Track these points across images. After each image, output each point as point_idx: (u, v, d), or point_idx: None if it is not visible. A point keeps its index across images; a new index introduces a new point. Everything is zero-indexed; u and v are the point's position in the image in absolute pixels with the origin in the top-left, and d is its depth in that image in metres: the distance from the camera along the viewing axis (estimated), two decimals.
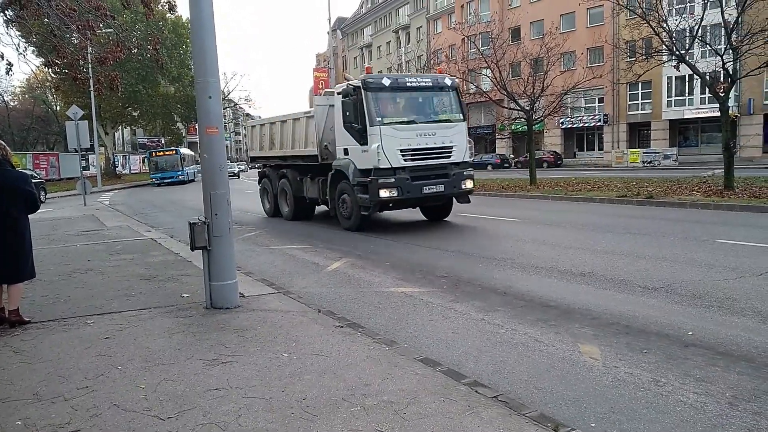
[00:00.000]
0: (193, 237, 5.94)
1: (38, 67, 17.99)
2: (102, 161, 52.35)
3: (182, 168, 44.10)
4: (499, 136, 46.58)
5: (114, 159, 58.39)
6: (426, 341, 5.14)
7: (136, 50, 18.76)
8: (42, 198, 27.11)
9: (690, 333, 4.97)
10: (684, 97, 39.39)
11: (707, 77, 18.84)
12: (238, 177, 51.20)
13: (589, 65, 38.76)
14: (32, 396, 3.90)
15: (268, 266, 9.00)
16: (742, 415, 3.51)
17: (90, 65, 18.87)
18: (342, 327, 5.30)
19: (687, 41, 18.01)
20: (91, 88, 18.13)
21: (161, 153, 46.61)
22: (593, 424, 3.48)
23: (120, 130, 68.46)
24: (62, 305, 6.43)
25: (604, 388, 3.99)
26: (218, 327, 5.40)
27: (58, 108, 64.23)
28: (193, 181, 44.41)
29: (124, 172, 61.00)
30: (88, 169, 47.99)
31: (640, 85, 39.57)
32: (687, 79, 36.68)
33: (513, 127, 36.72)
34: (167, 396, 3.84)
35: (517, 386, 4.09)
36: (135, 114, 55.68)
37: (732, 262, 7.56)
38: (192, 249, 6.07)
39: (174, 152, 45.83)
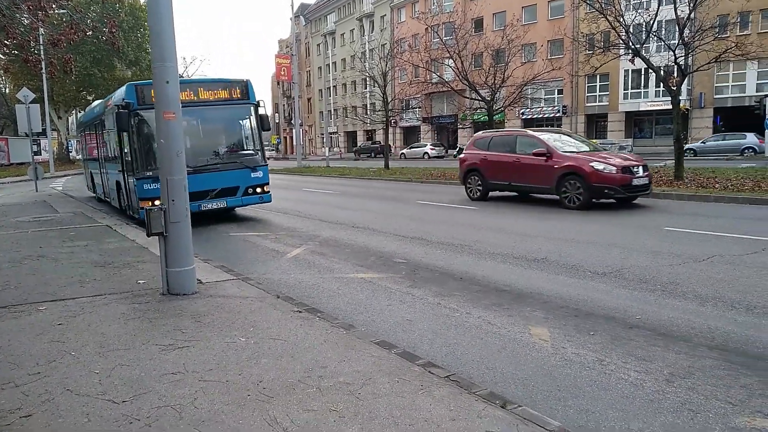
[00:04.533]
0: (149, 223, 5.88)
1: None
2: (55, 146, 50.81)
3: (259, 160, 12.44)
4: (461, 126, 46.99)
5: (68, 144, 56.66)
6: (383, 325, 5.24)
7: (90, 33, 18.23)
8: None
9: (636, 316, 5.21)
10: (640, 90, 40.53)
11: (661, 71, 19.43)
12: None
13: (549, 57, 39.39)
14: None
15: (227, 253, 8.95)
16: (677, 390, 3.72)
17: (42, 47, 18.24)
18: (300, 312, 5.35)
19: (642, 36, 18.52)
20: (44, 71, 17.49)
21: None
22: (539, 401, 3.64)
23: (74, 114, 66.37)
24: (12, 292, 6.29)
25: (551, 368, 4.16)
26: (175, 313, 5.38)
27: (7, 90, 61.71)
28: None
29: (78, 157, 59.17)
30: (40, 154, 46.53)
31: (598, 77, 40.54)
32: (643, 72, 37.77)
33: (474, 117, 37.14)
34: (122, 380, 3.83)
35: (470, 367, 4.23)
36: (90, 98, 53.91)
37: (677, 248, 7.90)
38: (148, 235, 6.00)
39: (231, 90, 12.17)
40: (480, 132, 16.27)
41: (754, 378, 3.86)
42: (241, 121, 12.55)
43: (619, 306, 5.51)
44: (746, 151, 31.54)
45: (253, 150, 12.50)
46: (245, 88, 12.25)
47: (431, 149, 48.56)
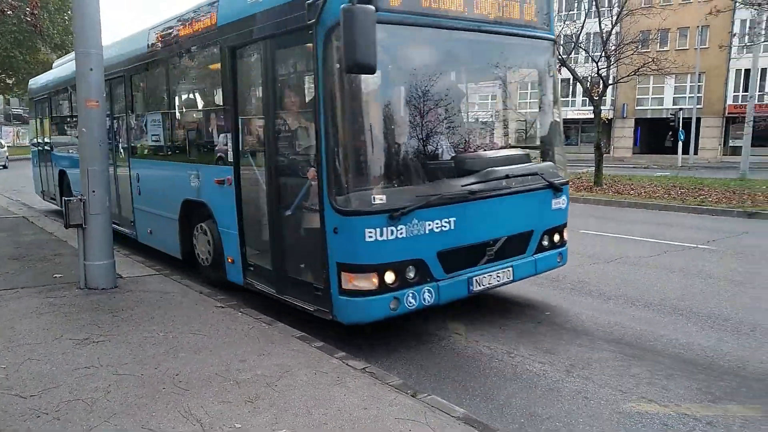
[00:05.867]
0: (67, 214, 5.72)
1: None
2: None
3: (559, 170, 5.82)
4: None
5: None
6: (306, 320, 5.31)
7: (10, 12, 17.25)
8: None
9: (545, 312, 5.54)
10: (567, 99, 42.26)
11: (587, 82, 20.38)
12: None
13: None
14: None
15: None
16: (575, 380, 4.02)
17: None
18: (223, 308, 5.34)
19: (570, 47, 19.41)
20: None
21: None
22: (449, 391, 3.84)
23: None
24: None
25: (463, 360, 4.39)
26: (91, 307, 5.26)
27: None
28: None
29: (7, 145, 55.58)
30: None
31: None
32: (570, 82, 39.38)
33: None
34: (31, 375, 3.74)
35: (387, 360, 4.39)
36: (9, 82, 50.77)
37: (590, 250, 8.39)
38: (66, 227, 5.85)
39: (524, 5, 5.13)
40: None
41: (643, 368, 4.21)
42: (533, 76, 5.88)
43: (531, 303, 5.83)
44: None
45: (549, 143, 5.90)
46: (545, 3, 5.45)
47: None
